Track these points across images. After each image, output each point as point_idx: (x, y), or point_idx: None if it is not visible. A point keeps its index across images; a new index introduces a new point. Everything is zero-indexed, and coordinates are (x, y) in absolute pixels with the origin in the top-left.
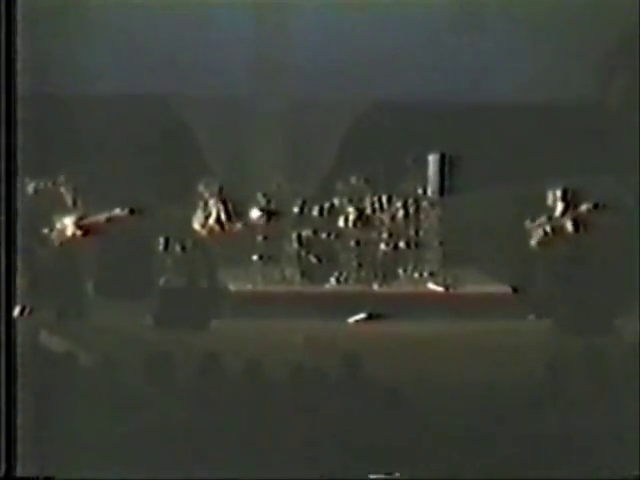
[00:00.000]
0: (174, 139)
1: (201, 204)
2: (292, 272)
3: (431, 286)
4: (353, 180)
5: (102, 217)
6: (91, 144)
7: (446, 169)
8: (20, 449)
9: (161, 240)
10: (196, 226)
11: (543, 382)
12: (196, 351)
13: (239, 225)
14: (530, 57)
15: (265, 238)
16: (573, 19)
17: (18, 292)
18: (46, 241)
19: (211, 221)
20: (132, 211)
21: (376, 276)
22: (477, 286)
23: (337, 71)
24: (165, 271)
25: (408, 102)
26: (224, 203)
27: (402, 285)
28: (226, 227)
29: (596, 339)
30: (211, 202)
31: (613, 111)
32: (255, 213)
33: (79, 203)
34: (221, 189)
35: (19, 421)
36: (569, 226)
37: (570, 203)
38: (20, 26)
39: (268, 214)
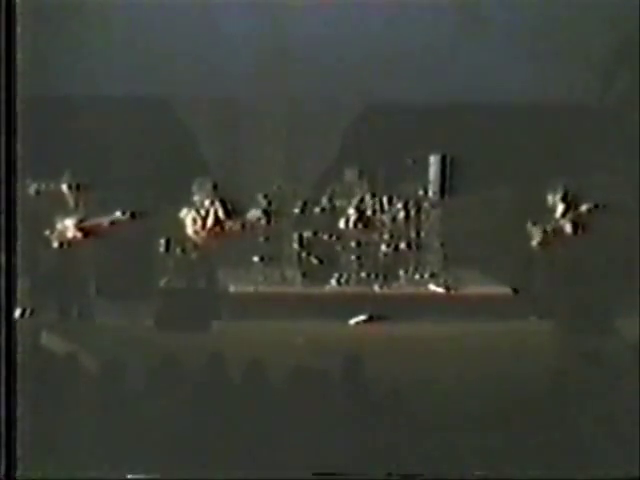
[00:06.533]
0: (175, 140)
1: (200, 205)
2: (293, 273)
3: (432, 287)
4: (353, 181)
5: (104, 219)
6: (91, 145)
7: (447, 170)
8: (20, 450)
9: (162, 241)
10: (196, 227)
11: (544, 383)
12: (197, 352)
13: (239, 226)
14: (530, 57)
15: (266, 239)
16: (573, 19)
17: (19, 293)
18: (47, 242)
19: (209, 222)
20: (133, 213)
21: (377, 277)
22: (478, 287)
23: (337, 72)
24: (166, 272)
25: (409, 103)
26: (223, 204)
27: (403, 286)
28: (225, 228)
29: (597, 340)
30: (210, 203)
31: (613, 112)
32: (253, 213)
33: (81, 205)
34: (221, 190)
35: (19, 422)
36: (569, 227)
37: (571, 204)
38: (20, 26)
39: (269, 215)
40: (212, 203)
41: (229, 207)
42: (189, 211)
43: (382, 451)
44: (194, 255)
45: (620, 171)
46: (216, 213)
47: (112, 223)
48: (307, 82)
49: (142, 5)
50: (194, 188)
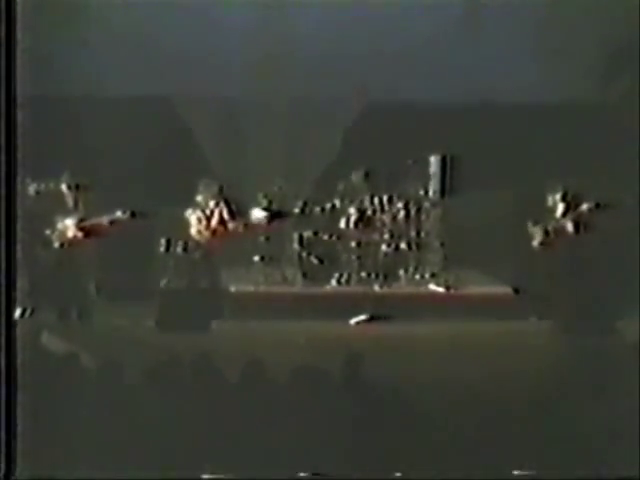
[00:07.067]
0: (175, 140)
1: (203, 205)
2: (293, 273)
3: (432, 287)
4: (354, 181)
5: (104, 219)
6: (92, 145)
7: (447, 170)
8: (20, 450)
9: (162, 241)
10: (198, 227)
11: (544, 383)
12: (197, 352)
13: (240, 226)
14: (530, 57)
15: (266, 239)
16: (573, 19)
17: (19, 293)
18: (47, 242)
19: (213, 222)
20: (133, 213)
21: (377, 277)
22: (478, 287)
23: (338, 72)
24: (166, 272)
25: (409, 103)
26: (227, 204)
27: (403, 286)
28: (228, 228)
29: (597, 340)
30: (212, 203)
31: (613, 111)
32: (258, 213)
33: (80, 205)
34: (222, 190)
35: (19, 422)
36: (570, 227)
37: (571, 204)
38: (20, 26)
39: (269, 215)
40: (217, 204)
41: (233, 208)
42: (194, 211)
43: (382, 451)
44: (195, 255)
45: (620, 171)
46: (221, 213)
47: (112, 223)
48: (307, 82)
49: (142, 5)
50: (200, 188)
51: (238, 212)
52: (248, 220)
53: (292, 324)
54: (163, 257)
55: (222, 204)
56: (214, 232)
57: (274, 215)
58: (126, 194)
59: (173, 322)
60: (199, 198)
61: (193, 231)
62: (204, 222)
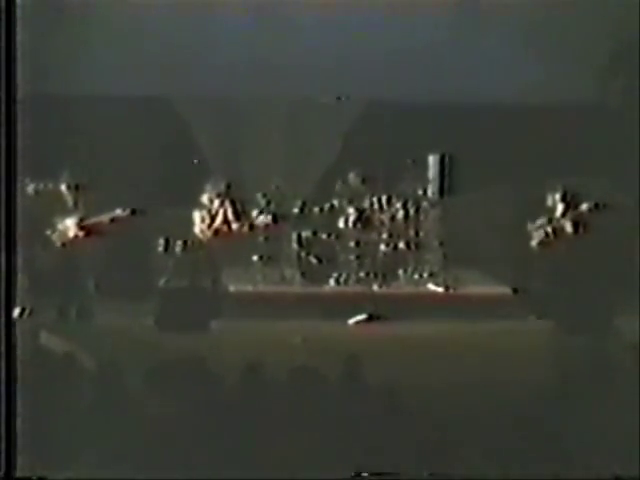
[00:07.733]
0: (174, 139)
1: (207, 205)
2: (292, 273)
3: (431, 287)
4: (353, 181)
5: (104, 218)
6: (92, 145)
7: (446, 170)
8: (20, 450)
9: (161, 241)
10: (200, 226)
11: (543, 382)
12: (196, 351)
13: (240, 226)
14: (530, 57)
15: (265, 239)
16: (573, 19)
17: (18, 293)
18: (46, 242)
19: (217, 222)
20: (133, 212)
21: (376, 277)
22: (477, 287)
23: (337, 71)
24: (165, 272)
25: (408, 103)
26: (232, 204)
27: (402, 286)
28: (226, 228)
29: (596, 339)
30: (217, 203)
31: (613, 112)
32: (262, 218)
33: (80, 204)
34: (229, 189)
35: (19, 422)
36: (569, 227)
37: (570, 204)
38: (20, 26)
39: (272, 217)
40: (222, 204)
41: (234, 207)
42: (189, 211)
43: (381, 451)
44: (195, 255)
45: (619, 171)
46: (225, 213)
47: (112, 220)
48: (306, 82)
49: (142, 5)
50: (194, 188)
51: (236, 212)
52: (248, 220)
53: (291, 324)
54: (162, 256)
55: (227, 204)
56: (216, 232)
57: (273, 215)
58: (125, 194)
59: (172, 321)
60: (204, 198)
61: (196, 230)
62: (207, 221)
